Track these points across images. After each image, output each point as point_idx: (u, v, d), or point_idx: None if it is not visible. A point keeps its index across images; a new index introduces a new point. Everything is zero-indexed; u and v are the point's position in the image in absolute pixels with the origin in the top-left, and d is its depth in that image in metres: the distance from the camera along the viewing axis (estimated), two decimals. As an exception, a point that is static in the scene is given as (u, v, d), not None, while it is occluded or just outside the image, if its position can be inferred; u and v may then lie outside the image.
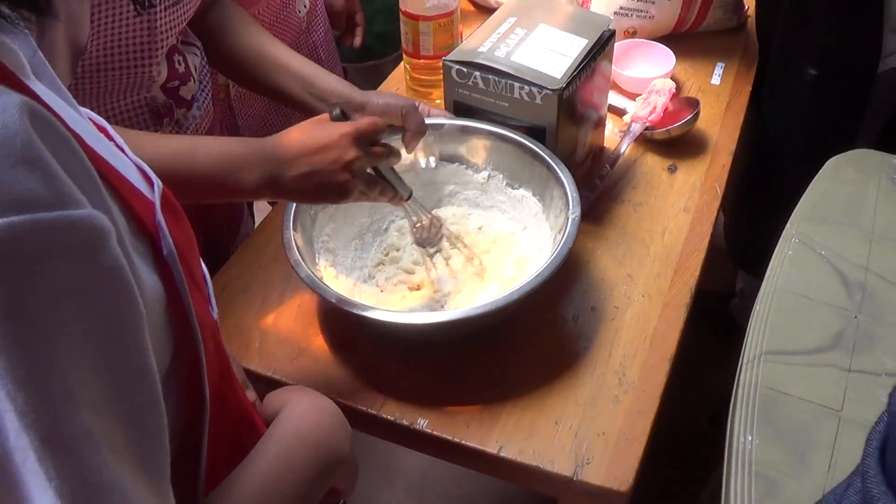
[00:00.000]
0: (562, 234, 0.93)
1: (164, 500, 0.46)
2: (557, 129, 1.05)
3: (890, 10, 1.27)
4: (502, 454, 0.87)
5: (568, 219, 0.94)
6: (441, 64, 1.08)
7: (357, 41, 1.57)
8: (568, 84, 1.03)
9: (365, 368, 0.96)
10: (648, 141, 1.27)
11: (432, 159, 1.11)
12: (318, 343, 0.99)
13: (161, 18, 0.94)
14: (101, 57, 0.91)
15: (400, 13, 1.30)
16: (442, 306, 1.00)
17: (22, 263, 0.39)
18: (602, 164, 1.21)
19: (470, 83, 1.07)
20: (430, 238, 1.05)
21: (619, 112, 1.33)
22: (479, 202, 1.13)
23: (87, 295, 0.42)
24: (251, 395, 0.76)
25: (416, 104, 1.01)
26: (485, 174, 1.11)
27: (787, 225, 1.08)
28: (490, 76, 1.05)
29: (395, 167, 0.94)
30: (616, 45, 1.20)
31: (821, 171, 1.16)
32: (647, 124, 1.26)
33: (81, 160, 0.44)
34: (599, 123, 1.23)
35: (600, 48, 1.10)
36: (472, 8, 1.64)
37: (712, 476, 1.18)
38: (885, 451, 0.47)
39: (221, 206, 1.22)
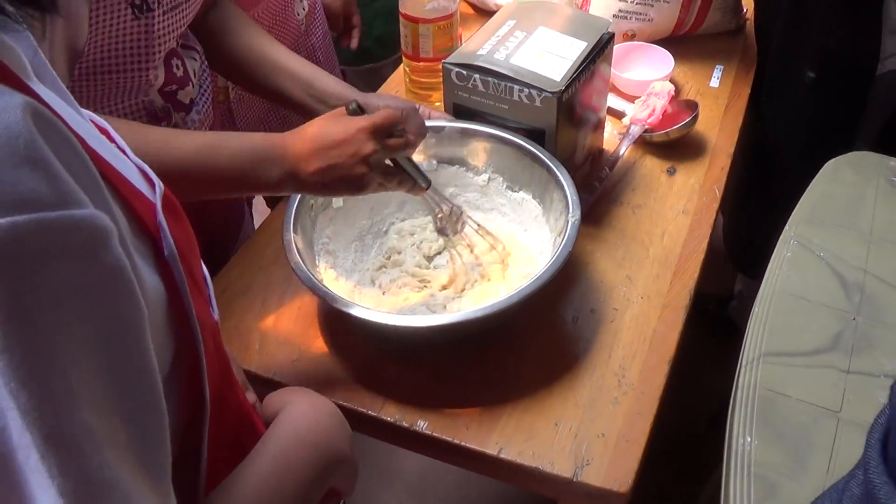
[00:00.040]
0: (562, 237, 0.93)
1: (165, 499, 0.46)
2: (557, 132, 1.05)
3: (889, 12, 1.27)
4: (502, 456, 0.87)
5: (568, 222, 0.94)
6: (441, 66, 1.09)
7: (353, 43, 1.57)
8: (567, 87, 1.03)
9: (365, 370, 0.96)
10: (647, 143, 1.27)
11: (432, 162, 1.11)
12: (318, 345, 1.00)
13: (158, 23, 0.94)
14: (97, 60, 0.91)
15: (399, 16, 1.31)
16: (443, 308, 1.00)
17: (24, 263, 0.39)
18: (601, 166, 1.22)
19: (469, 86, 1.07)
20: (452, 227, 1.05)
21: (619, 114, 1.33)
22: (480, 204, 1.13)
23: (89, 294, 0.42)
24: (251, 396, 0.75)
25: (416, 106, 1.01)
26: (485, 177, 1.12)
27: (786, 227, 1.09)
28: (490, 79, 1.05)
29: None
30: (615, 47, 1.20)
31: (819, 173, 1.17)
32: (646, 127, 1.26)
33: (83, 160, 0.44)
34: (599, 126, 1.23)
35: (599, 51, 1.10)
36: (471, 11, 1.65)
37: (711, 477, 1.18)
38: (887, 443, 0.47)
39: (222, 207, 1.22)
